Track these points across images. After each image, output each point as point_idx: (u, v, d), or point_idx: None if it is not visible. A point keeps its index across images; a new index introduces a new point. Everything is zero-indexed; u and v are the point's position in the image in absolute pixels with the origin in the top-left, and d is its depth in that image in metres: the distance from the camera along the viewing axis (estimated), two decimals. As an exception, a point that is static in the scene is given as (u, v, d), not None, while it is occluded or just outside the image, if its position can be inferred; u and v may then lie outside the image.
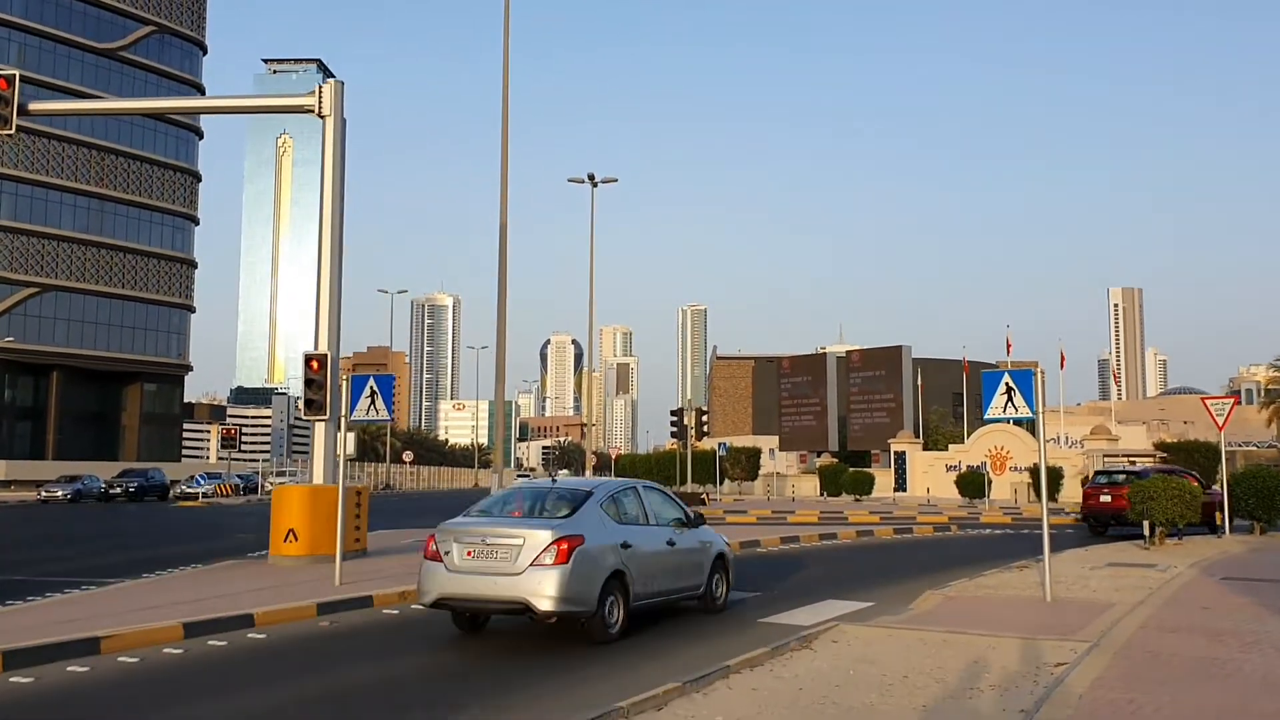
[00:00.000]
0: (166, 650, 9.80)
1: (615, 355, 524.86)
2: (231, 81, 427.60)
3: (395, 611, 12.46)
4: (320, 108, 18.95)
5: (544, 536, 10.13)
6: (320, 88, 19.02)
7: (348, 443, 60.37)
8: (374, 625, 11.63)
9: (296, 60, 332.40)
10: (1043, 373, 13.17)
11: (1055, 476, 48.92)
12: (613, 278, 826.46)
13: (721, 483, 60.60)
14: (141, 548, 23.33)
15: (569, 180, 49.17)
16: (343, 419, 14.47)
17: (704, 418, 43.01)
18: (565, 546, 10.07)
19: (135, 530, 30.91)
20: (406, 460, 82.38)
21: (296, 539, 17.18)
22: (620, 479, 14.39)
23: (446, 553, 10.53)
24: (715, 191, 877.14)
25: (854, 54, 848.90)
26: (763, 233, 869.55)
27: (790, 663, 9.18)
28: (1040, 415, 13.07)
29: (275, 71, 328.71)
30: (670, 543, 11.81)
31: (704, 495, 37.15)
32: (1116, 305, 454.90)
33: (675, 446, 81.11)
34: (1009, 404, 13.25)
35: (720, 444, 54.91)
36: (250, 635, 10.64)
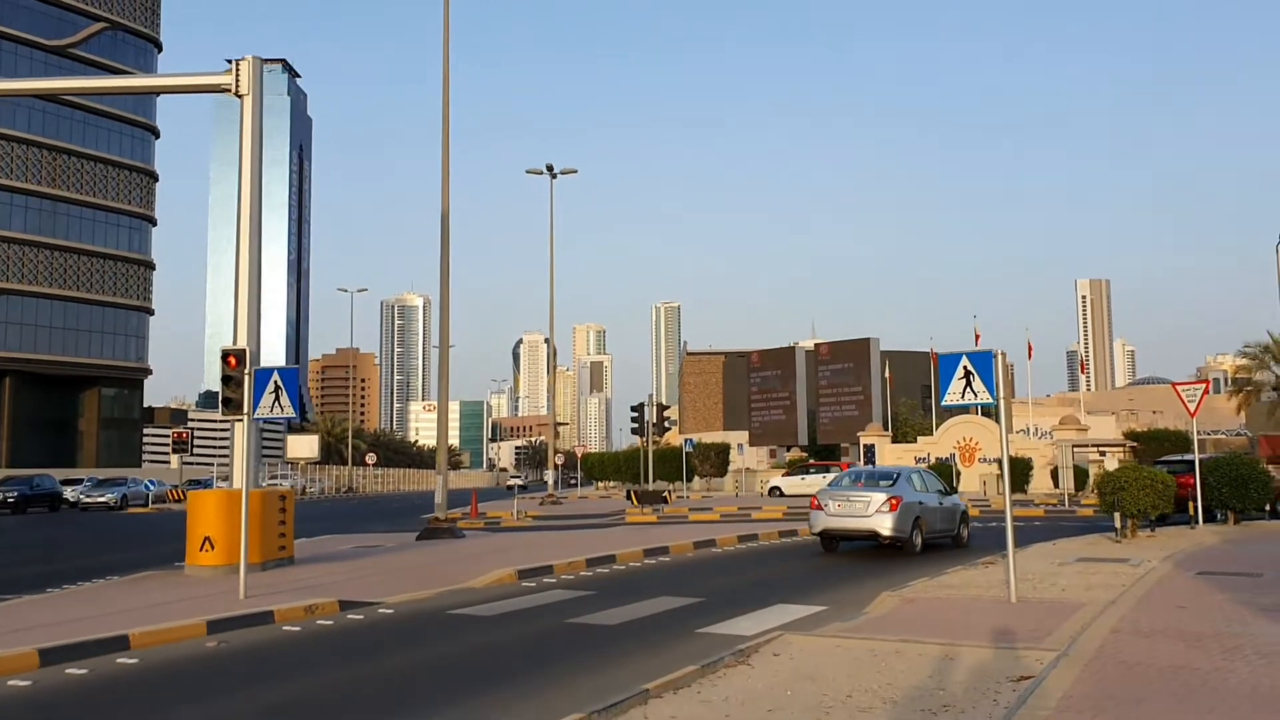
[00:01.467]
0: (12, 683, 8.60)
1: (589, 354, 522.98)
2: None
3: (297, 628, 11.29)
4: (237, 86, 17.76)
5: (881, 497, 18.22)
6: (237, 64, 17.82)
7: (311, 445, 58.71)
8: (265, 645, 10.45)
9: (261, 60, 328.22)
10: (1003, 354, 12.16)
11: (1024, 467, 48.31)
12: (586, 277, 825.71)
13: (691, 479, 59.63)
14: (67, 558, 22.04)
15: (527, 172, 48.32)
16: (245, 417, 13.24)
17: (665, 412, 41.95)
18: (894, 502, 18.10)
19: (70, 540, 29.50)
20: (370, 463, 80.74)
21: (213, 547, 15.96)
22: (908, 466, 23.84)
23: (825, 505, 18.73)
24: (688, 189, 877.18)
25: (822, 46, 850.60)
26: (735, 229, 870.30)
27: (721, 682, 8.13)
28: (1002, 401, 12.07)
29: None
30: (939, 503, 19.52)
31: (667, 493, 36.17)
32: (1084, 297, 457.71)
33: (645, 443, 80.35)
34: (967, 389, 12.23)
35: (687, 440, 53.88)
36: (120, 660, 9.44)
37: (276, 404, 12.73)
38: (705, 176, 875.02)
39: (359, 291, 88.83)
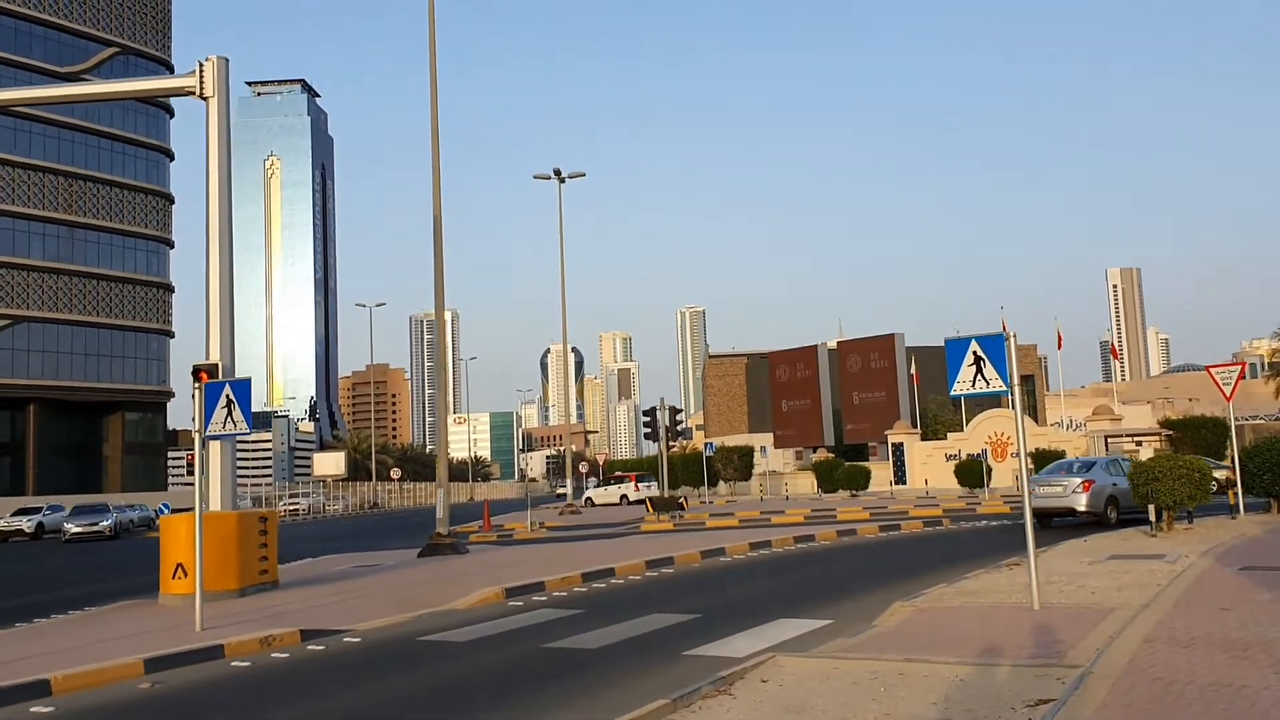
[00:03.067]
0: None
1: (616, 361, 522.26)
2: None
3: (246, 664, 10.33)
4: (202, 89, 16.90)
5: (1077, 481, 22.44)
6: (201, 65, 16.96)
7: (338, 462, 57.79)
8: (203, 685, 9.50)
9: (281, 81, 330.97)
10: (1014, 336, 11.05)
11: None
12: (610, 284, 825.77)
13: (715, 484, 58.46)
14: (57, 588, 21.32)
15: (535, 177, 47.44)
16: (196, 435, 12.32)
17: (679, 415, 40.87)
18: (1087, 484, 22.17)
19: (69, 567, 28.84)
20: (394, 478, 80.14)
21: (185, 575, 15.07)
22: (1103, 456, 28.89)
23: (1034, 490, 20.21)
24: (711, 193, 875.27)
25: (840, 42, 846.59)
26: (760, 231, 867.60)
27: (694, 718, 7.10)
28: (1015, 388, 10.95)
29: (259, 94, 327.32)
30: (1130, 486, 20.37)
31: (682, 500, 35.05)
32: (1115, 286, 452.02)
33: (676, 449, 79.09)
34: (978, 376, 11.13)
35: (707, 444, 52.74)
36: (34, 710, 8.50)
37: (230, 420, 11.81)
38: (729, 180, 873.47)
39: (378, 306, 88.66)
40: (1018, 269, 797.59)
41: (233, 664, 10.33)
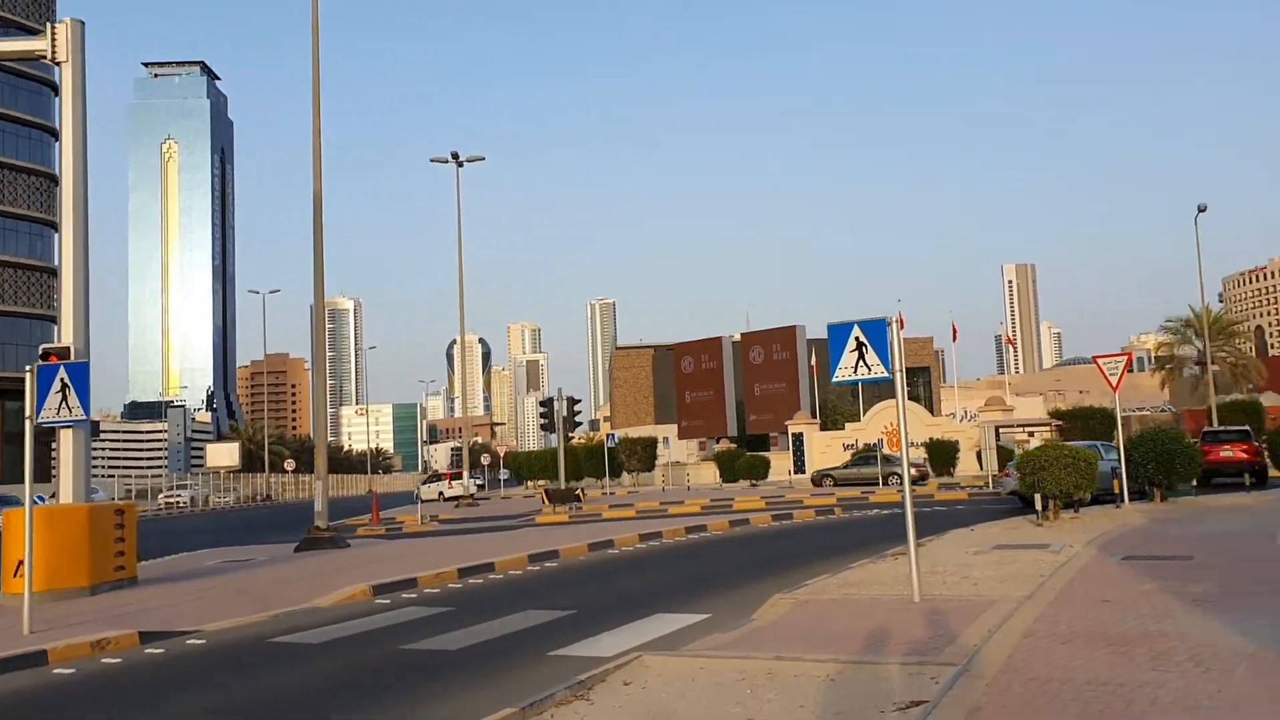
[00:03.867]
0: None
1: (524, 352, 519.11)
2: (111, 83, 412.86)
3: (70, 670, 9.42)
4: (54, 53, 15.70)
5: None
6: (53, 28, 15.77)
7: (231, 453, 55.91)
8: (13, 697, 8.61)
9: (179, 63, 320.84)
10: (897, 322, 10.70)
11: (950, 450, 47.51)
12: (520, 275, 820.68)
13: (619, 475, 58.01)
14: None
15: (431, 160, 46.32)
16: (28, 421, 11.32)
17: (577, 406, 40.21)
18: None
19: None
20: (288, 469, 77.95)
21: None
22: (1097, 440, 28.93)
23: (1012, 474, 22.98)
24: (623, 185, 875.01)
25: (746, 35, 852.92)
26: (672, 224, 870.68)
27: (545, 727, 6.53)
28: (898, 375, 10.62)
29: (156, 75, 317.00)
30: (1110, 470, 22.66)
31: (579, 491, 34.44)
32: (1011, 282, 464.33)
33: (581, 440, 78.34)
34: (860, 363, 10.77)
35: (609, 435, 52.23)
36: None
37: (64, 405, 10.85)
38: (636, 172, 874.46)
39: (271, 293, 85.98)
40: (919, 265, 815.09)
41: (55, 671, 9.41)
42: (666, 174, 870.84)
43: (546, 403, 36.99)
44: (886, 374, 10.62)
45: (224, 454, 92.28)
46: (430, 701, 7.78)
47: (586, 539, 19.54)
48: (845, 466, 44.75)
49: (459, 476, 53.03)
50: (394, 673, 8.87)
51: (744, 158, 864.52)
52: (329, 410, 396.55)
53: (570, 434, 42.38)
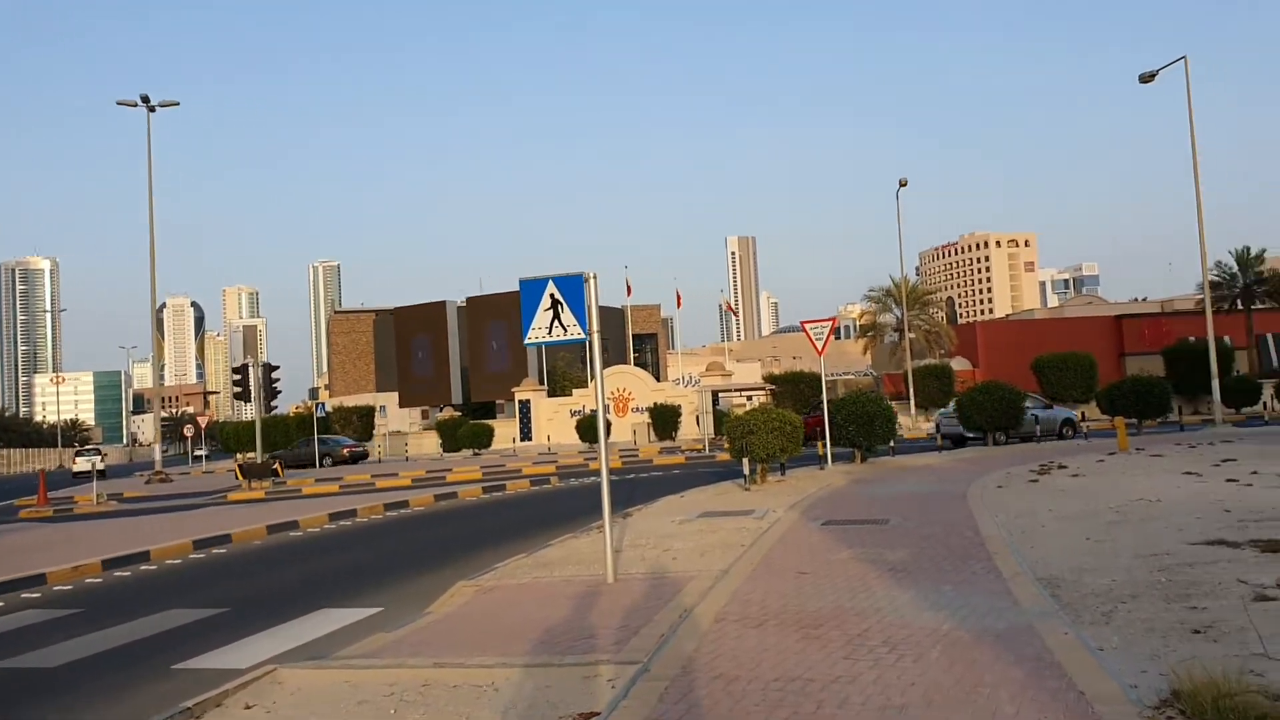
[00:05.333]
0: None
1: (241, 317, 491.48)
2: None
3: None
4: None
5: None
6: None
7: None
8: None
9: None
10: (594, 277, 9.75)
11: (672, 415, 48.15)
12: (237, 235, 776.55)
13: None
14: None
15: (118, 103, 41.68)
16: None
17: (275, 373, 37.40)
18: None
19: None
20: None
21: None
22: (1061, 407, 34.06)
23: (940, 423, 32.00)
24: (346, 143, 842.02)
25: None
26: (399, 180, 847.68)
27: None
28: (594, 336, 9.70)
29: None
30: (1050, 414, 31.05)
31: (276, 465, 31.94)
32: (734, 253, 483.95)
33: (299, 409, 74.07)
34: (555, 322, 9.76)
35: (319, 404, 49.34)
36: None
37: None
38: (361, 127, 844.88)
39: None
40: (647, 234, 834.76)
41: None
42: (395, 130, 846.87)
43: (240, 370, 34.02)
44: (583, 335, 9.67)
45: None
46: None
47: (268, 519, 17.71)
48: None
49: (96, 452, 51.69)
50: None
51: (477, 119, 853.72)
52: (21, 379, 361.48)
53: (273, 404, 39.48)
